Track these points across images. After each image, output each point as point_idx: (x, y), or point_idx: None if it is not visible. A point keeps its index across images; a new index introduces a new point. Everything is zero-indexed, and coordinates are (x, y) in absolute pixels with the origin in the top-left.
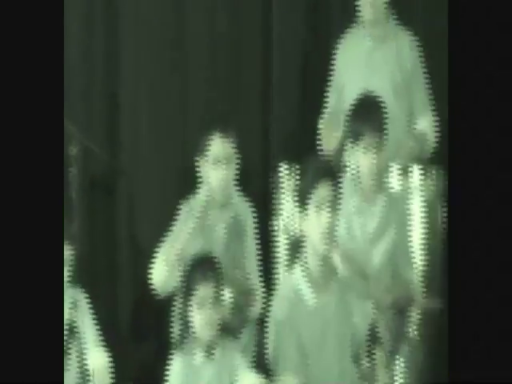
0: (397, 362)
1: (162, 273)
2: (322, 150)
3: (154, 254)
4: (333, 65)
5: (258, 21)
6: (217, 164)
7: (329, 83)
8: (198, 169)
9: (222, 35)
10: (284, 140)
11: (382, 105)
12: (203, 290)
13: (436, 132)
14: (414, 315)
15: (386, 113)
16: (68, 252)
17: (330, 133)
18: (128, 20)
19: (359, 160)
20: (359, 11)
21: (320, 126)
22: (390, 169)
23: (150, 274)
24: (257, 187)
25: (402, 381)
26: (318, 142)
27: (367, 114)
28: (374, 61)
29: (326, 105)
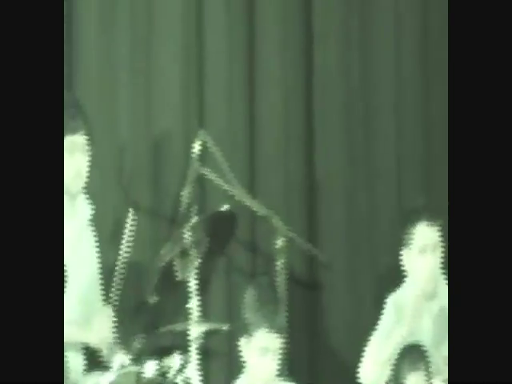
0: None
1: (373, 373)
2: None
3: (363, 351)
4: None
5: None
6: (423, 252)
7: None
8: (402, 262)
9: None
10: None
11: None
12: (414, 380)
13: None
14: None
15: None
16: (278, 344)
17: None
18: None
19: None
20: None
21: None
22: None
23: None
24: None
25: None
26: None
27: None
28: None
29: None
